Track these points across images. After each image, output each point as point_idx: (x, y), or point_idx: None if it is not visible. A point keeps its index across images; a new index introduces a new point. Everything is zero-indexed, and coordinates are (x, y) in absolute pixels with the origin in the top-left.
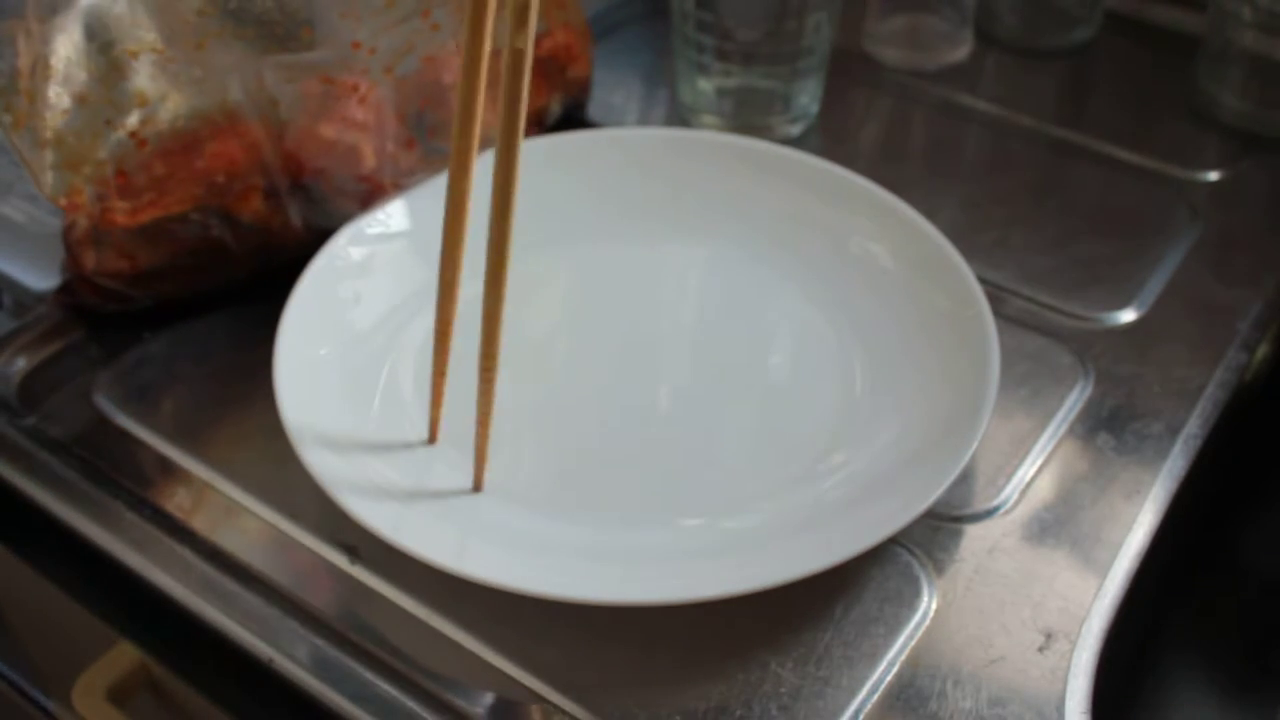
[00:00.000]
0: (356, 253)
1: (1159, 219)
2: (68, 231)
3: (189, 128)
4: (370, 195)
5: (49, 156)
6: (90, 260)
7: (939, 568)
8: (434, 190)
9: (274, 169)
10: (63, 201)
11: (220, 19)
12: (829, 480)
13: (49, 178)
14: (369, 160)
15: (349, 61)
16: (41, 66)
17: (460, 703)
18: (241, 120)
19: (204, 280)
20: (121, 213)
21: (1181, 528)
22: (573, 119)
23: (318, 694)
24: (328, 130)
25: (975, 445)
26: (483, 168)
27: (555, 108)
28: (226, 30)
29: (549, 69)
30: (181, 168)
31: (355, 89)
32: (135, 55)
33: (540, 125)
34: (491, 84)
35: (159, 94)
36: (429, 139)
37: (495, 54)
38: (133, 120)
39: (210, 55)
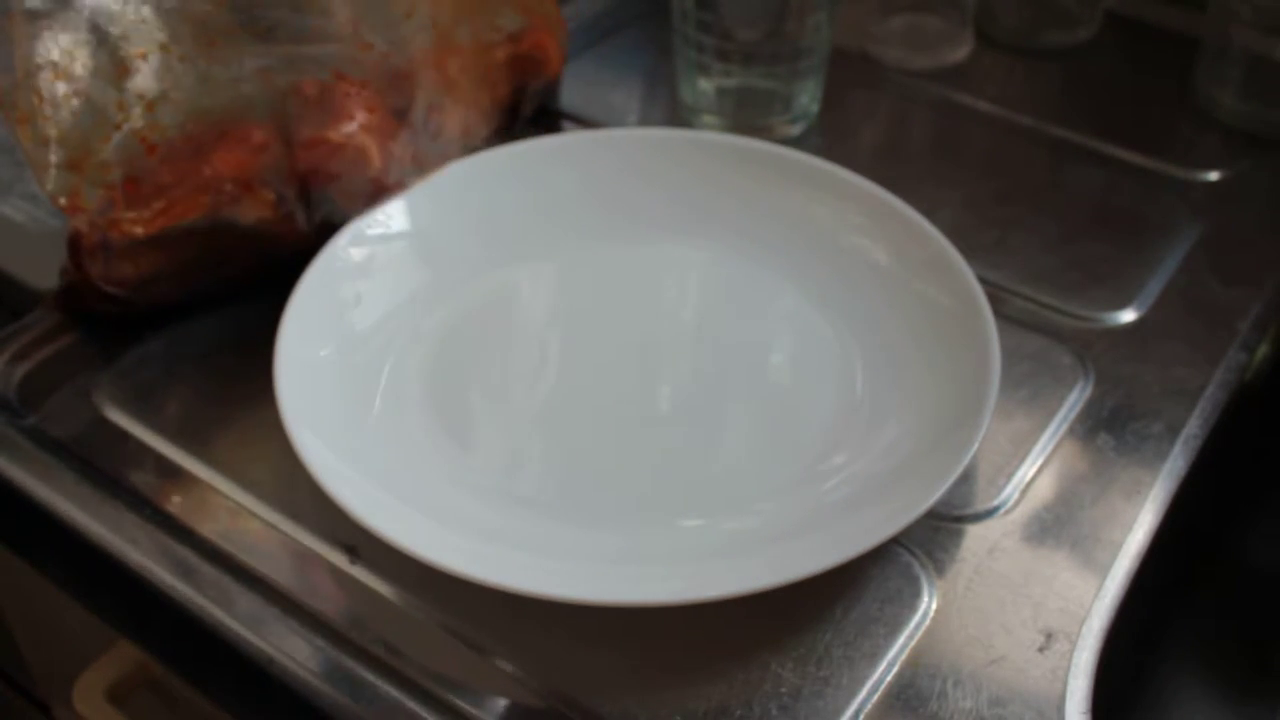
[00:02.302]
0: (356, 253)
1: (1159, 219)
2: (74, 239)
3: (196, 132)
4: (376, 197)
5: (52, 155)
6: (98, 268)
7: (939, 568)
8: (434, 190)
9: (282, 174)
10: (63, 202)
11: (229, 17)
12: (829, 481)
13: (51, 176)
14: (376, 162)
15: (359, 59)
16: (46, 62)
17: (460, 703)
18: (249, 123)
19: (208, 284)
20: (131, 223)
21: (1181, 528)
22: (547, 110)
23: (318, 694)
24: (335, 134)
25: (975, 446)
26: (483, 167)
27: (532, 99)
28: (235, 30)
29: (526, 65)
30: (189, 175)
31: (364, 86)
32: (141, 54)
33: (515, 116)
34: (479, 79)
35: (164, 93)
36: (431, 140)
37: (486, 48)
38: (137, 120)
39: (219, 53)
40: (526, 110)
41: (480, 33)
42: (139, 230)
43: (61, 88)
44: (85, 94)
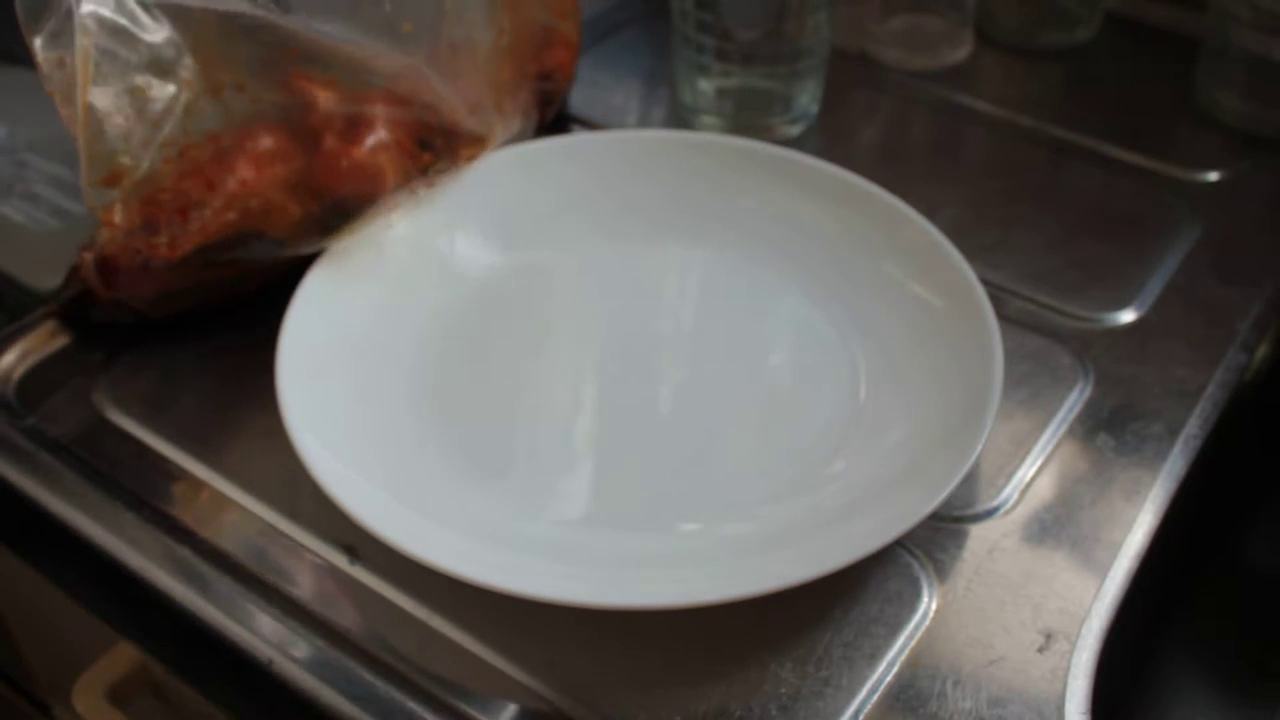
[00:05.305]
0: (358, 254)
1: (1159, 219)
2: (105, 259)
3: (220, 150)
4: (389, 210)
5: (88, 172)
6: (131, 288)
7: (939, 568)
8: (436, 193)
9: (304, 190)
10: (117, 219)
11: (245, 37)
12: (831, 485)
13: (89, 192)
14: (391, 180)
15: (389, 64)
16: (71, 83)
17: (460, 704)
18: (270, 135)
19: (223, 295)
20: (166, 245)
21: (1181, 528)
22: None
23: (317, 694)
24: (358, 151)
25: (978, 450)
26: (484, 168)
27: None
28: (251, 49)
29: (544, 74)
30: (216, 192)
31: (386, 99)
32: (165, 72)
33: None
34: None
35: (188, 108)
36: (437, 152)
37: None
38: (164, 138)
39: (239, 72)
40: (548, 117)
41: (519, 26)
42: (172, 253)
43: (86, 108)
44: (106, 115)
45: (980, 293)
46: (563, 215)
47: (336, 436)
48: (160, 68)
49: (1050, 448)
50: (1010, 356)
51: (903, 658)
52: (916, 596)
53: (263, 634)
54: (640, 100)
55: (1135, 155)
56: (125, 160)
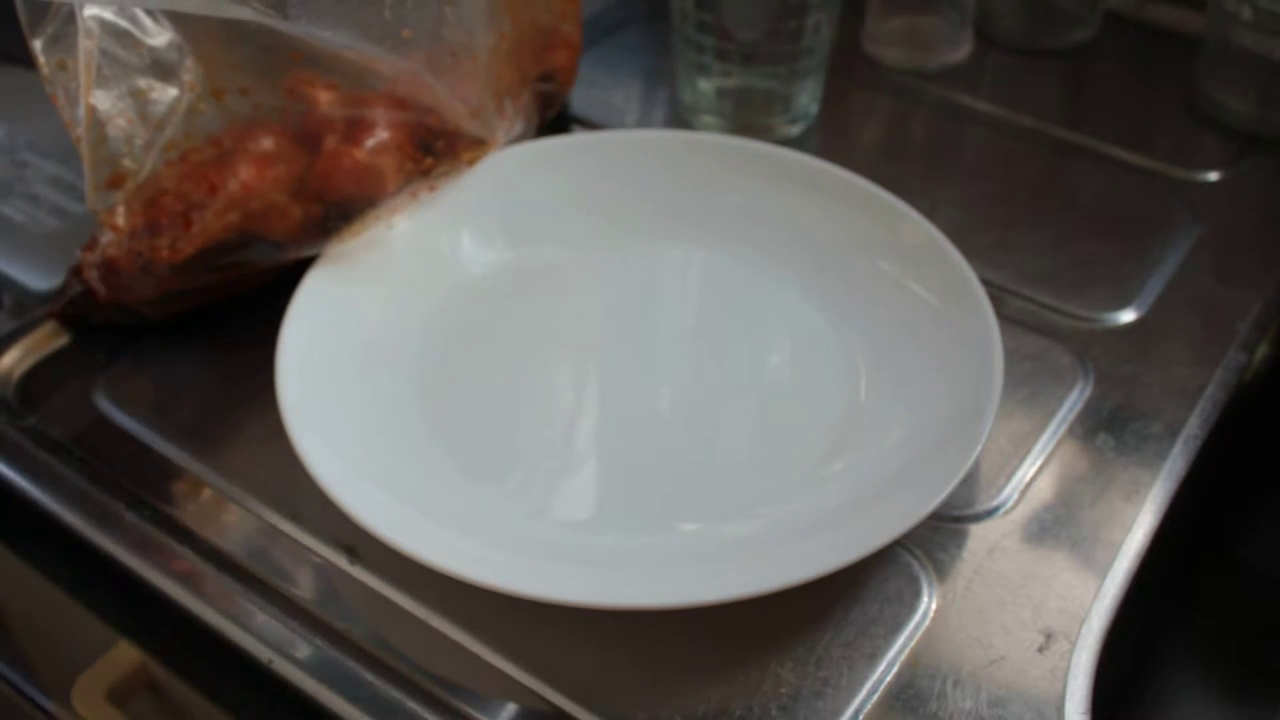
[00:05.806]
0: (358, 254)
1: (1159, 219)
2: (106, 263)
3: (222, 152)
4: (390, 212)
5: (92, 175)
6: (134, 292)
7: (939, 568)
8: (434, 195)
9: (305, 192)
10: (120, 221)
11: (247, 41)
12: (830, 486)
13: (93, 195)
14: (392, 182)
15: (376, 68)
16: (74, 87)
17: (460, 703)
18: (271, 135)
19: (224, 296)
20: (168, 248)
21: (1181, 528)
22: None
23: (317, 694)
24: (359, 152)
25: (979, 450)
26: (483, 170)
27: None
28: (253, 52)
29: (545, 79)
30: (218, 194)
31: (379, 100)
32: (164, 79)
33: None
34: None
35: (190, 115)
36: (438, 155)
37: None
38: (166, 141)
39: (241, 75)
40: (548, 118)
41: (520, 28)
42: (173, 256)
43: (88, 111)
44: (109, 118)
45: (980, 292)
46: (562, 215)
47: (337, 436)
48: (162, 70)
49: (1050, 448)
50: (1010, 357)
51: (903, 658)
52: (916, 596)
53: (263, 634)
54: (640, 100)
55: (1135, 155)
56: (128, 163)
